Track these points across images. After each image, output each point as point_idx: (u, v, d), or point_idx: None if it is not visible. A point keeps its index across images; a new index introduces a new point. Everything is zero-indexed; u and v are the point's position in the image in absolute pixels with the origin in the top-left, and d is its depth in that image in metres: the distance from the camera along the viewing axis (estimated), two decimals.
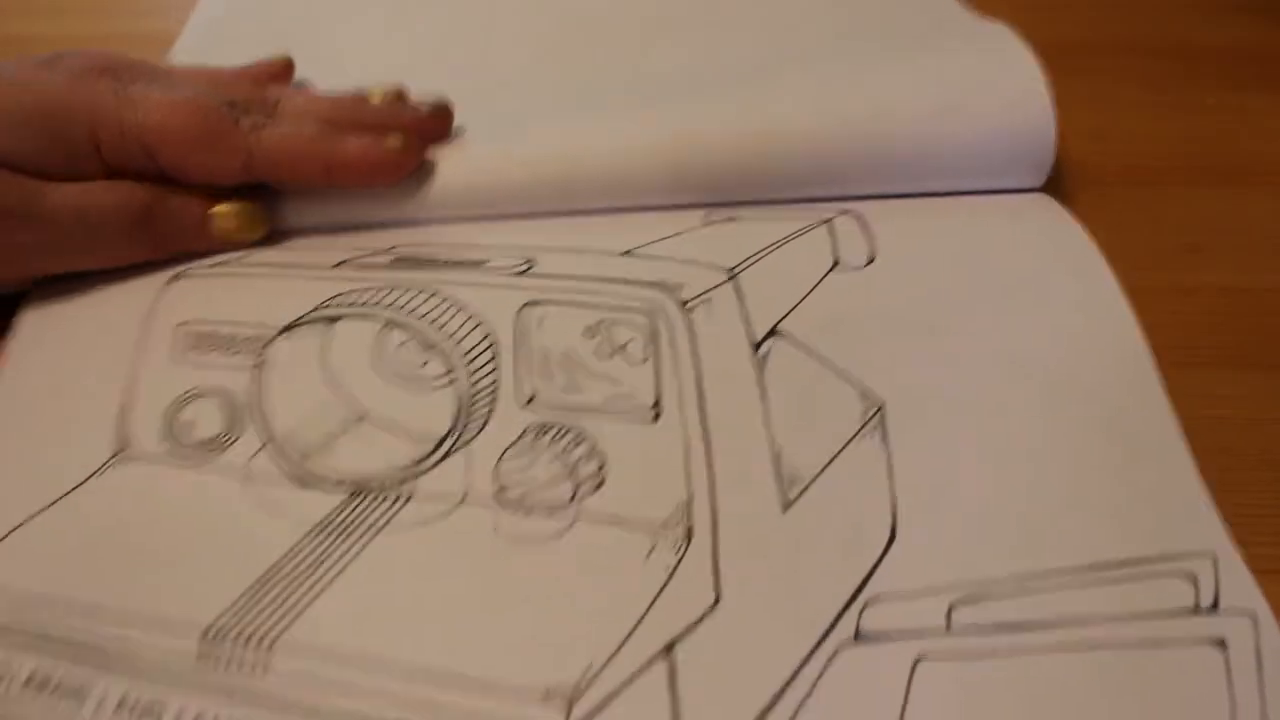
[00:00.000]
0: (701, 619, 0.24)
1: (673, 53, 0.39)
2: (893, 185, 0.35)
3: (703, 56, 0.38)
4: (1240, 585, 0.24)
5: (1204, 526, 0.26)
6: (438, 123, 0.35)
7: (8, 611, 0.25)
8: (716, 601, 0.25)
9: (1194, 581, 0.24)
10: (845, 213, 0.34)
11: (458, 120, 0.36)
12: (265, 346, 0.30)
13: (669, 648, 0.24)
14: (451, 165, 0.34)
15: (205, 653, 0.24)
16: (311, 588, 0.25)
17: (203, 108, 0.32)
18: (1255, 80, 0.41)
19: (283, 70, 0.39)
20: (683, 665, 0.24)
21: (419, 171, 0.34)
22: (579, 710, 0.23)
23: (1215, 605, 0.24)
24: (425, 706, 0.23)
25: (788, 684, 0.23)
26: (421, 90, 0.36)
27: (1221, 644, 0.23)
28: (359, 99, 0.35)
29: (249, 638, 0.24)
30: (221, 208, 0.33)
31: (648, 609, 0.24)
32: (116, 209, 0.32)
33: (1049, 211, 0.34)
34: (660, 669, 0.24)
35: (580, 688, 0.23)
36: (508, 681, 0.23)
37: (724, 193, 0.35)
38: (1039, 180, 0.35)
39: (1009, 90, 0.34)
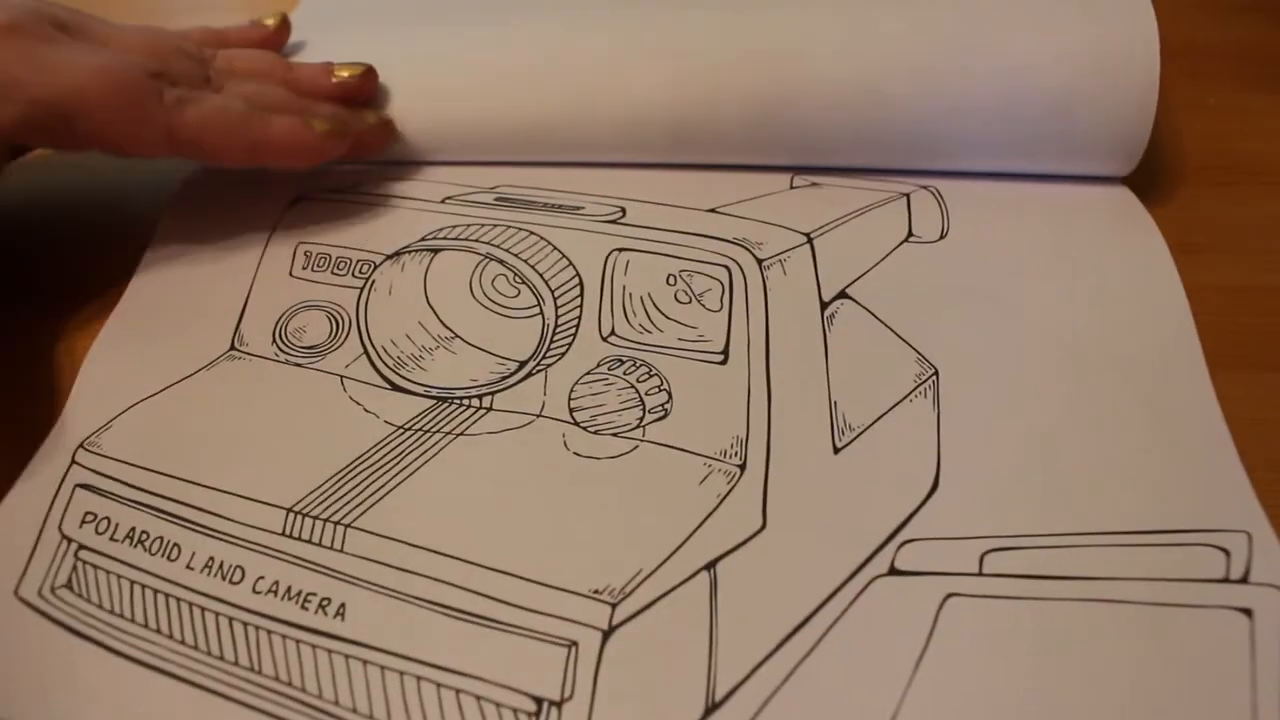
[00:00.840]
0: (745, 542, 0.26)
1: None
2: (982, 162, 0.35)
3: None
4: (1273, 564, 0.25)
5: (1243, 508, 0.26)
6: (361, 87, 0.36)
7: (116, 476, 0.28)
8: (762, 528, 0.26)
9: (1226, 555, 0.25)
10: (924, 188, 0.35)
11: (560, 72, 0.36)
12: (373, 270, 0.33)
13: (712, 564, 0.26)
14: (555, 115, 0.36)
15: (288, 528, 0.27)
16: (391, 479, 0.28)
17: (123, 77, 0.31)
18: (1256, 80, 0.41)
19: (272, 35, 0.38)
20: (723, 580, 0.25)
21: (528, 120, 0.36)
22: (623, 610, 0.24)
23: (1245, 579, 0.25)
24: (480, 596, 0.25)
25: (821, 606, 0.25)
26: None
27: (1248, 612, 0.24)
28: (286, 66, 0.36)
29: (329, 519, 0.27)
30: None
31: (696, 528, 0.26)
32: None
33: (1127, 207, 0.35)
34: (702, 582, 0.25)
35: (626, 590, 0.25)
36: (559, 579, 0.25)
37: (813, 155, 0.36)
38: (1128, 168, 0.35)
39: (1123, 67, 0.33)
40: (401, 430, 0.29)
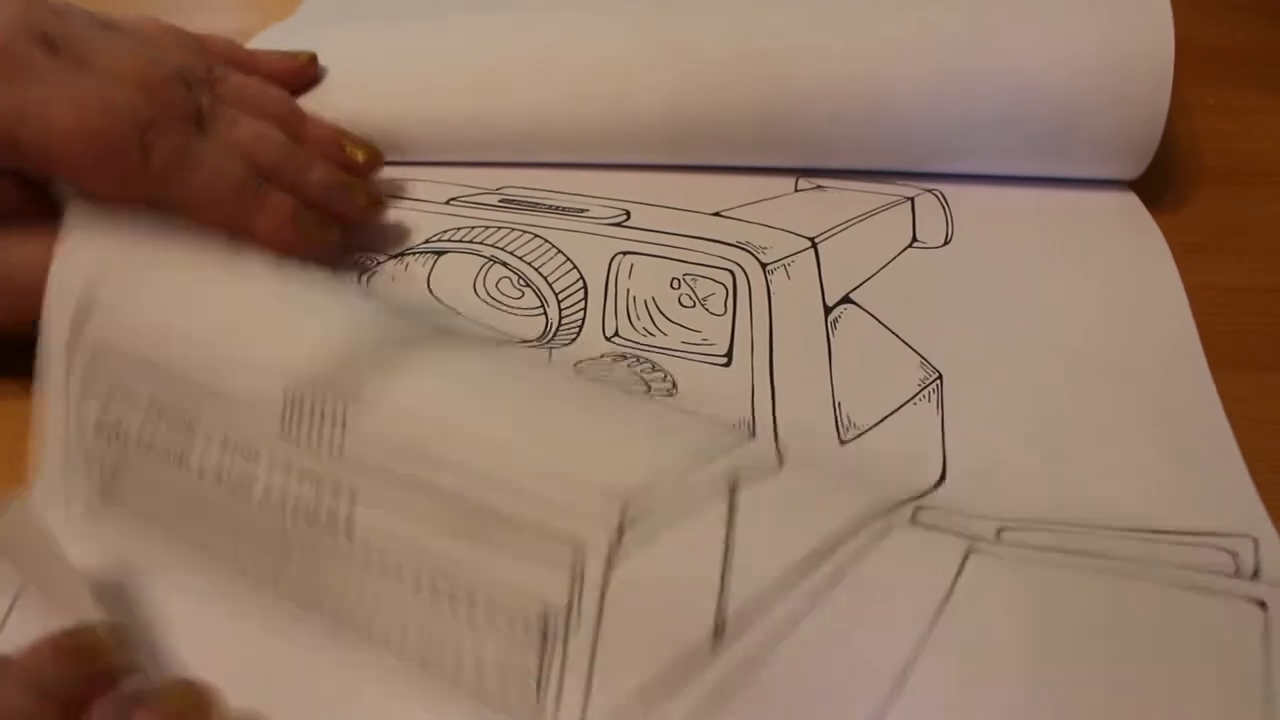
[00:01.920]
0: (765, 476, 0.24)
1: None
2: (989, 164, 0.35)
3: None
4: None
5: (1248, 512, 0.26)
6: (369, 166, 0.35)
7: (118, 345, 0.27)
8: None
9: (1234, 557, 0.25)
10: (929, 191, 0.35)
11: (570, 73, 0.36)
12: (374, 269, 0.33)
13: (733, 490, 0.24)
14: (559, 115, 0.36)
15: (290, 398, 0.25)
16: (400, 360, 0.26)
17: (106, 134, 0.28)
18: (1255, 80, 0.41)
19: (300, 69, 0.37)
20: (742, 508, 0.23)
21: (531, 119, 0.36)
22: (634, 509, 0.23)
23: (1255, 577, 0.24)
24: (491, 481, 0.23)
25: (837, 545, 0.23)
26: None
27: (1262, 605, 0.23)
28: (299, 119, 0.34)
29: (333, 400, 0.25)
30: None
31: (716, 451, 0.25)
32: None
33: (1131, 211, 0.35)
34: (720, 506, 0.23)
35: (640, 492, 0.23)
36: (573, 474, 0.23)
37: (817, 157, 0.36)
38: (1136, 171, 0.35)
39: (1134, 69, 0.33)
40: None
